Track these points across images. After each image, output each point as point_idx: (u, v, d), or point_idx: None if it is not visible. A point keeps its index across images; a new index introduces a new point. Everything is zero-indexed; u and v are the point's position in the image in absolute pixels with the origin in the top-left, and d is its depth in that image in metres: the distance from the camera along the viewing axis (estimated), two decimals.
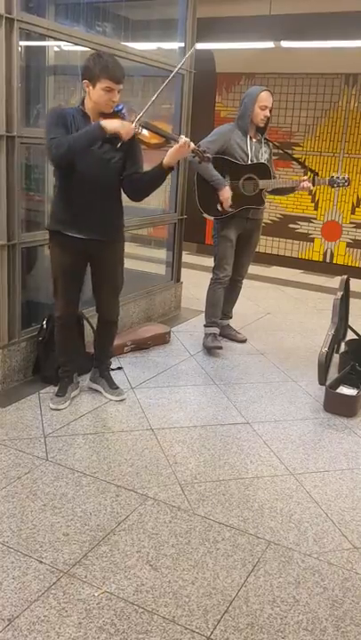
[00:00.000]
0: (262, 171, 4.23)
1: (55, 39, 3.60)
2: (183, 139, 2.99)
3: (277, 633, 1.92)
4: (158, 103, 5.77)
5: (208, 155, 3.49)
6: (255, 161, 4.21)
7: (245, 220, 4.29)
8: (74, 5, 4.16)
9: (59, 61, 4.38)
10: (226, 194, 4.09)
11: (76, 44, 3.62)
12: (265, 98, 4.10)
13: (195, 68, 4.82)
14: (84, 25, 4.15)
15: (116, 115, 3.01)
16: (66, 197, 3.09)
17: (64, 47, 4.19)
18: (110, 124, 2.87)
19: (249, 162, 4.18)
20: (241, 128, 4.17)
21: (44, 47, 4.16)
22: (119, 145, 2.94)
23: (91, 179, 3.02)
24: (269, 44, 6.80)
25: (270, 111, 4.16)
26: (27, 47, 3.89)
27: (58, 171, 3.07)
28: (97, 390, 3.57)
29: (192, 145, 3.01)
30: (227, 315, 4.68)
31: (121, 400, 3.49)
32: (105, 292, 3.36)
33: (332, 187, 4.43)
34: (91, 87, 2.93)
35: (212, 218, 4.29)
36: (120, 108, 3.00)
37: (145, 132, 3.01)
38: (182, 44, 4.72)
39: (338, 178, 4.39)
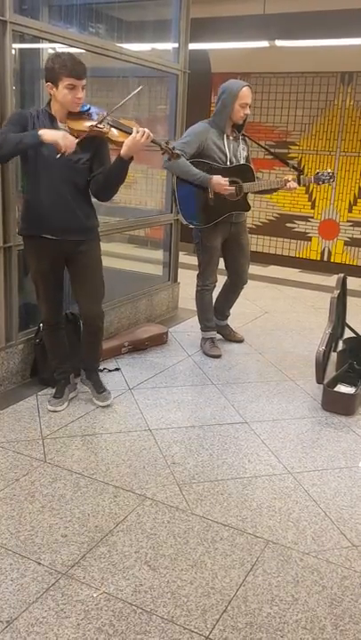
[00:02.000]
0: (245, 173, 4.02)
1: (49, 41, 3.60)
2: (137, 128, 2.91)
3: (276, 632, 1.92)
4: (153, 104, 5.81)
5: (177, 151, 3.42)
6: (234, 161, 3.99)
7: (229, 224, 4.11)
8: (67, 7, 4.16)
9: None
10: (218, 182, 3.82)
11: (71, 46, 3.62)
12: (246, 95, 3.85)
13: (190, 68, 4.82)
14: (77, 26, 4.15)
15: (82, 115, 2.97)
16: (36, 200, 3.05)
17: (58, 49, 4.18)
18: (49, 134, 2.80)
19: (228, 163, 3.96)
20: (218, 126, 3.92)
21: (38, 49, 4.15)
22: (58, 156, 2.83)
23: (58, 180, 2.99)
24: (264, 44, 6.81)
25: (250, 107, 3.92)
26: (20, 49, 3.89)
27: (26, 173, 3.05)
28: (87, 391, 3.52)
29: (151, 135, 2.93)
30: (226, 315, 4.62)
31: (105, 406, 3.40)
32: (84, 294, 3.28)
33: (318, 184, 4.24)
34: (54, 88, 2.89)
35: (195, 226, 4.08)
36: (87, 108, 2.97)
37: (115, 131, 2.96)
38: (176, 45, 4.72)
39: (323, 174, 4.20)
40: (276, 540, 2.37)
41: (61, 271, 3.25)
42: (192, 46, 4.82)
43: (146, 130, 2.91)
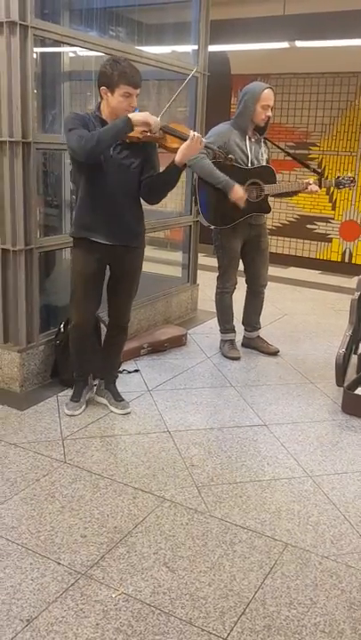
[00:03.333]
0: (267, 174, 4.03)
1: (70, 45, 3.64)
2: (192, 133, 2.93)
3: (294, 635, 1.92)
4: (173, 106, 5.82)
5: (231, 156, 3.43)
6: (256, 163, 4.00)
7: (249, 226, 4.09)
8: (88, 11, 4.19)
9: (74, 67, 4.42)
10: (237, 193, 3.85)
11: (91, 50, 3.65)
12: (268, 97, 3.86)
13: (209, 70, 4.82)
14: (97, 30, 4.18)
15: None
16: (90, 204, 3.05)
17: (79, 53, 4.23)
18: (138, 116, 2.83)
19: (250, 165, 3.97)
20: (240, 128, 3.93)
21: (59, 53, 4.20)
22: (142, 145, 2.89)
23: (112, 184, 3.00)
24: (284, 45, 6.79)
25: (272, 110, 3.92)
26: (42, 53, 3.93)
27: (79, 177, 3.04)
28: (102, 404, 3.48)
29: (204, 141, 2.95)
30: (255, 326, 4.51)
31: (125, 414, 3.37)
32: (120, 297, 3.30)
33: (339, 188, 4.24)
34: (109, 94, 2.90)
35: (215, 227, 4.08)
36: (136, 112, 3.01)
37: (167, 137, 2.98)
38: (196, 47, 4.73)
39: (343, 178, 4.22)
40: (294, 543, 2.36)
41: (104, 276, 3.25)
42: (211, 48, 4.83)
43: (198, 135, 2.93)
